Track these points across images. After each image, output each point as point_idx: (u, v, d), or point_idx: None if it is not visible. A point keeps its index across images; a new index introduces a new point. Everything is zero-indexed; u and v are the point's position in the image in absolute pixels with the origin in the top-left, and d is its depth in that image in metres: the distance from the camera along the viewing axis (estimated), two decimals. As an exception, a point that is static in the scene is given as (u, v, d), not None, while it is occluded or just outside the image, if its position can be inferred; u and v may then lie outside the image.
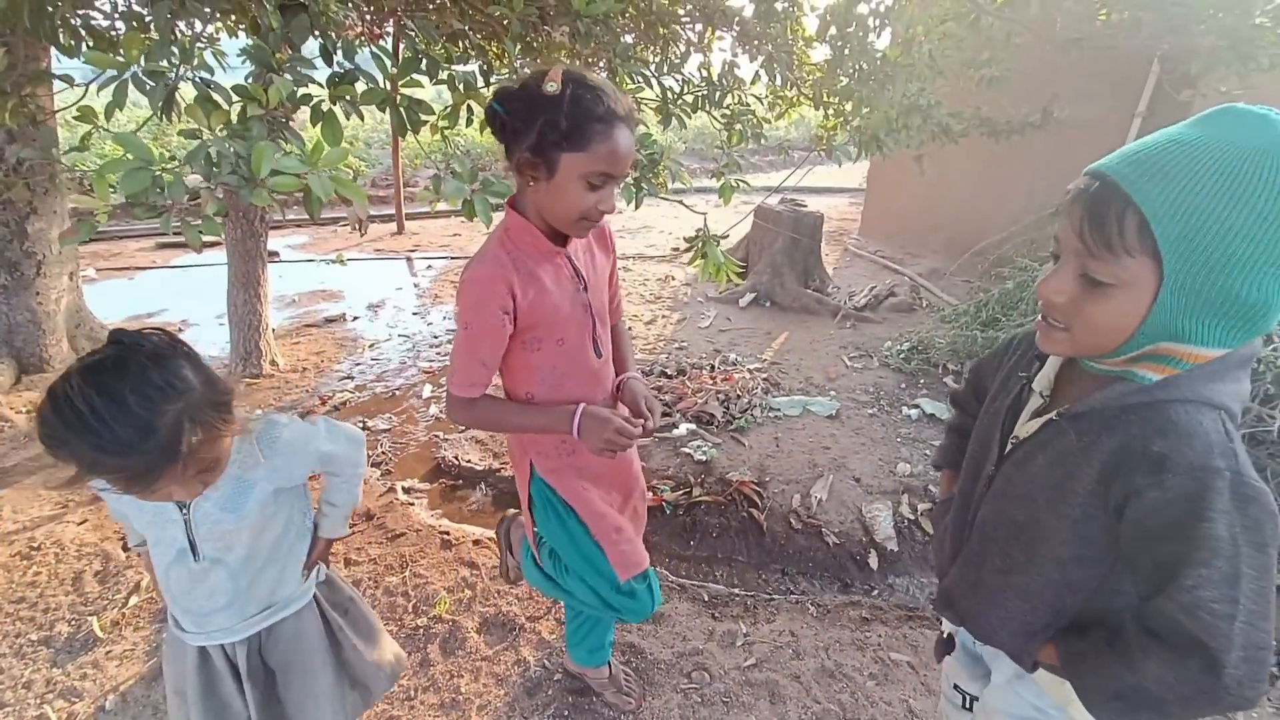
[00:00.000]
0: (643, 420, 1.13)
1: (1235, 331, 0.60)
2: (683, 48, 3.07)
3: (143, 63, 1.51)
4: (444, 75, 2.11)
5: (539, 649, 1.77)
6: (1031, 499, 0.74)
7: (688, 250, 2.33)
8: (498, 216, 1.12)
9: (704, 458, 2.63)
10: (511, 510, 1.61)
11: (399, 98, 1.99)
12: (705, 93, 3.04)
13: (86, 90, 1.98)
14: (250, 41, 1.70)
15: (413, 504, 2.43)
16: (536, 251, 1.07)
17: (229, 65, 2.25)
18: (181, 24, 2.04)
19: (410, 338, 4.10)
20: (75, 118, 1.74)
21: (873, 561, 2.20)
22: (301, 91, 1.82)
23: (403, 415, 3.11)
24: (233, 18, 2.45)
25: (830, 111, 3.77)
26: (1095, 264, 0.62)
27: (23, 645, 1.77)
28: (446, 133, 2.46)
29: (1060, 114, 3.82)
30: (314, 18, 1.68)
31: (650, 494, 2.44)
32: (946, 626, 1.00)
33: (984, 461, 0.84)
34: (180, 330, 4.19)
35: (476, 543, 2.19)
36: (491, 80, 2.47)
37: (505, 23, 2.25)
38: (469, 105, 2.45)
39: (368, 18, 3.56)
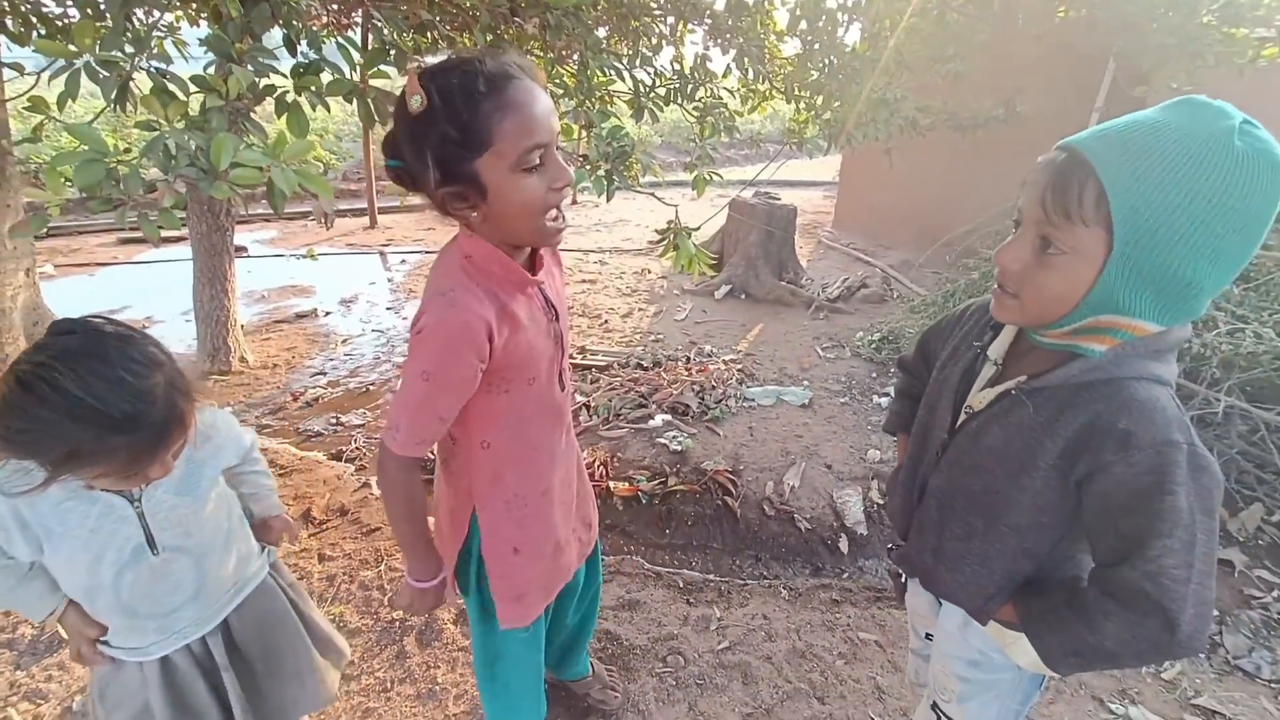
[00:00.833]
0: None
1: (1169, 309, 0.64)
2: (655, 41, 3.08)
3: (96, 52, 1.47)
4: (413, 66, 2.09)
5: (515, 639, 1.78)
6: (989, 470, 0.77)
7: (660, 242, 2.35)
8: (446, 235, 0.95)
9: (679, 448, 2.66)
10: None
11: (368, 89, 1.97)
12: (677, 86, 3.05)
13: (38, 79, 1.92)
14: (211, 30, 1.67)
15: (387, 499, 2.42)
16: (509, 283, 0.91)
17: (190, 55, 2.20)
18: (138, 11, 1.99)
19: (384, 333, 4.06)
20: (26, 108, 1.69)
21: (843, 545, 2.26)
22: (266, 83, 1.79)
23: (377, 411, 3.09)
24: (193, 6, 2.39)
25: (801, 105, 3.80)
26: (1052, 230, 0.65)
27: (-17, 650, 1.73)
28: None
29: (1023, 109, 3.92)
30: (275, 6, 1.65)
31: (626, 484, 2.47)
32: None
33: (934, 428, 0.87)
34: (145, 327, 4.07)
35: (452, 536, 2.19)
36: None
37: (475, 14, 2.24)
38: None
39: (333, 8, 3.49)
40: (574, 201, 8.49)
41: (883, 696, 1.63)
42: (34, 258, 3.63)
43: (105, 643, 1.01)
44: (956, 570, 0.84)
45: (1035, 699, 0.92)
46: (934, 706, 0.97)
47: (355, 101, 1.95)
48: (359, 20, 4.03)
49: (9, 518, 0.89)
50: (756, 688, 1.65)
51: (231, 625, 1.09)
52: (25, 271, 3.48)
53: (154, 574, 0.98)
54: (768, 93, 3.74)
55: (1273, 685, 1.68)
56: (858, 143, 3.19)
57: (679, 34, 3.14)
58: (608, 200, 2.33)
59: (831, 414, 3.02)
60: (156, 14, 1.96)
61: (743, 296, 4.74)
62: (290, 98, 1.84)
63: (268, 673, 1.13)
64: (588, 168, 2.27)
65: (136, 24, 1.86)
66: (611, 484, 2.48)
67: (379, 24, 2.14)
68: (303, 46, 1.85)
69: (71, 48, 1.44)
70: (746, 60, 3.19)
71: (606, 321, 4.26)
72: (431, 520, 1.10)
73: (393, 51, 2.00)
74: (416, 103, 0.79)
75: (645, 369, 3.41)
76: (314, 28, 2.03)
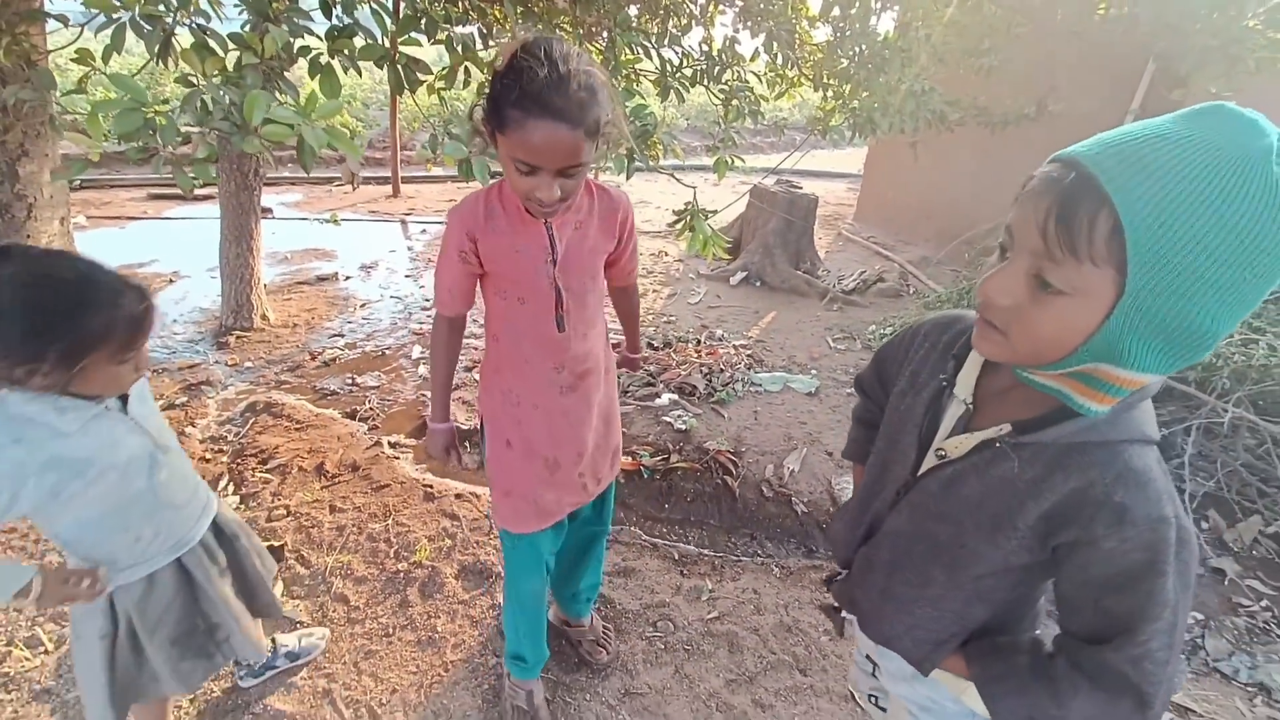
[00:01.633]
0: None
1: (1176, 358, 0.56)
2: (684, 21, 3.07)
3: (141, 6, 1.52)
4: (443, 36, 2.12)
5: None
6: (959, 522, 0.71)
7: (676, 222, 2.37)
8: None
9: (684, 426, 2.71)
10: None
11: (398, 56, 2.00)
12: (704, 67, 3.05)
13: (81, 31, 1.98)
14: (249, -10, 1.71)
15: (398, 458, 2.50)
16: (516, 213, 1.08)
17: (226, 16, 2.24)
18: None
19: (402, 299, 4.14)
20: (73, 59, 1.76)
21: (838, 531, 2.30)
22: (300, 44, 1.83)
23: (391, 374, 3.16)
24: (231, -35, 2.43)
25: (829, 94, 3.77)
26: (1052, 267, 0.55)
27: (15, 572, 1.84)
28: (444, 94, 2.47)
29: (1055, 107, 3.85)
30: (312, -31, 1.69)
31: (629, 458, 2.52)
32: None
33: (894, 464, 0.80)
34: (171, 281, 4.20)
35: (458, 496, 2.27)
36: (490, 43, 2.47)
37: (505, -15, 2.26)
38: (466, 68, 2.45)
39: (368, -28, 3.51)
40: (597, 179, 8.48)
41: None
42: (69, 208, 3.74)
43: (130, 564, 1.11)
44: (904, 613, 0.79)
45: None
46: None
47: (385, 68, 1.99)
48: (392, -13, 4.05)
49: (31, 465, 0.92)
50: (741, 656, 1.71)
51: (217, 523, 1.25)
52: (60, 220, 3.59)
53: (171, 471, 1.12)
54: (796, 80, 3.71)
55: (1249, 689, 1.70)
56: (883, 134, 3.17)
57: (710, 14, 3.13)
58: (627, 178, 2.35)
59: (837, 404, 3.04)
60: (197, -29, 1.99)
61: (758, 284, 4.74)
62: (323, 60, 1.88)
63: (244, 558, 1.30)
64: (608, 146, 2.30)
65: (178, -20, 1.89)
66: (615, 457, 2.54)
67: (411, -9, 2.16)
68: (337, 10, 1.88)
69: (116, 1, 1.49)
70: (776, 45, 3.17)
71: (620, 301, 4.30)
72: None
73: (424, 20, 2.03)
74: (499, 61, 0.92)
75: (655, 348, 3.45)
76: (348, -9, 2.06)
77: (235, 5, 1.86)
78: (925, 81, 3.06)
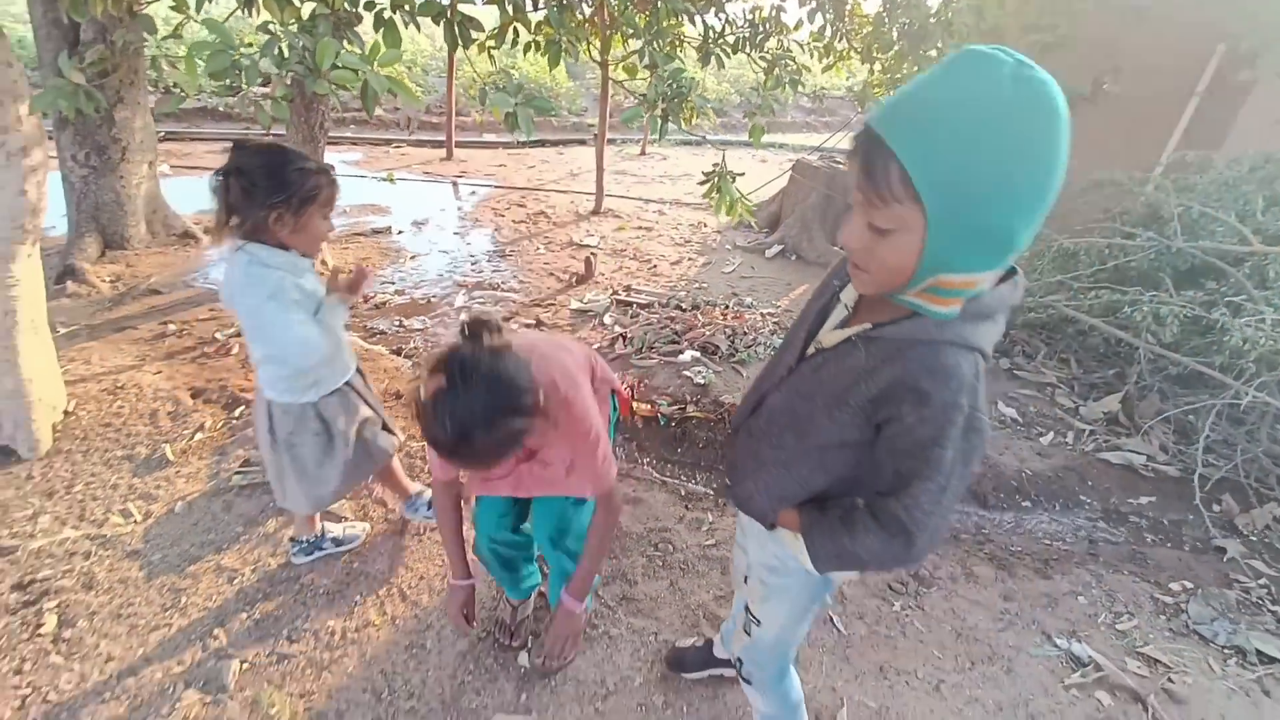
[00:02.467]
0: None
1: (993, 256, 0.68)
2: (730, -14, 3.12)
3: (232, -42, 1.71)
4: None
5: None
6: (813, 398, 0.87)
7: (704, 183, 2.47)
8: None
9: (703, 381, 2.84)
10: None
11: (454, 13, 2.16)
12: (747, 35, 3.11)
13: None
14: (322, -54, 1.89)
15: (436, 391, 2.72)
16: None
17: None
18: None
19: (449, 254, 4.37)
20: (171, 7, 1.98)
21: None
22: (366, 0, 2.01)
23: (435, 319, 3.40)
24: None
25: (877, 68, 3.75)
26: (875, 212, 0.68)
27: (110, 459, 2.14)
28: (494, 53, 2.63)
29: (1113, 88, 3.74)
30: (379, -73, 1.86)
31: (648, 405, 2.68)
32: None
33: (785, 353, 0.96)
34: (242, 228, 4.54)
35: (488, 427, 2.47)
36: (539, 5, 2.61)
37: (556, -54, 2.38)
38: (515, 27, 2.60)
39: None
40: (643, 152, 8.56)
41: (844, 601, 1.81)
42: (155, 154, 4.09)
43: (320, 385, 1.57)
44: (764, 473, 0.95)
45: (822, 601, 1.10)
46: (746, 608, 1.15)
47: (442, 24, 2.16)
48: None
49: (311, 293, 1.45)
50: (732, 577, 1.86)
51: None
52: (148, 164, 3.94)
53: (339, 316, 1.54)
54: (845, 53, 3.71)
55: (1225, 650, 1.75)
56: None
57: (756, -19, 3.18)
58: (660, 138, 2.46)
59: (856, 372, 3.11)
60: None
61: (793, 258, 4.78)
62: (386, 14, 2.06)
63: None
64: (645, 107, 2.41)
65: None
66: (635, 405, 2.70)
67: (468, -49, 2.31)
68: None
69: (211, -46, 1.69)
70: (823, 15, 3.19)
71: (656, 266, 4.42)
72: None
73: (478, -23, 2.18)
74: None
75: (683, 310, 3.58)
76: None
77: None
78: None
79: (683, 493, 2.25)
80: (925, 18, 3.14)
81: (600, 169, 5.51)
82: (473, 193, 5.98)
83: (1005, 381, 3.10)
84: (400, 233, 4.73)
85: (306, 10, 1.85)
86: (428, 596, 1.73)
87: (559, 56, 2.20)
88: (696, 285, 4.09)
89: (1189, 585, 1.98)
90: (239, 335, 3.04)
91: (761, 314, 3.62)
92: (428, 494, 2.00)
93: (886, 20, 3.36)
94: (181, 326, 3.08)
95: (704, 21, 2.90)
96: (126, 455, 2.17)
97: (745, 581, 1.17)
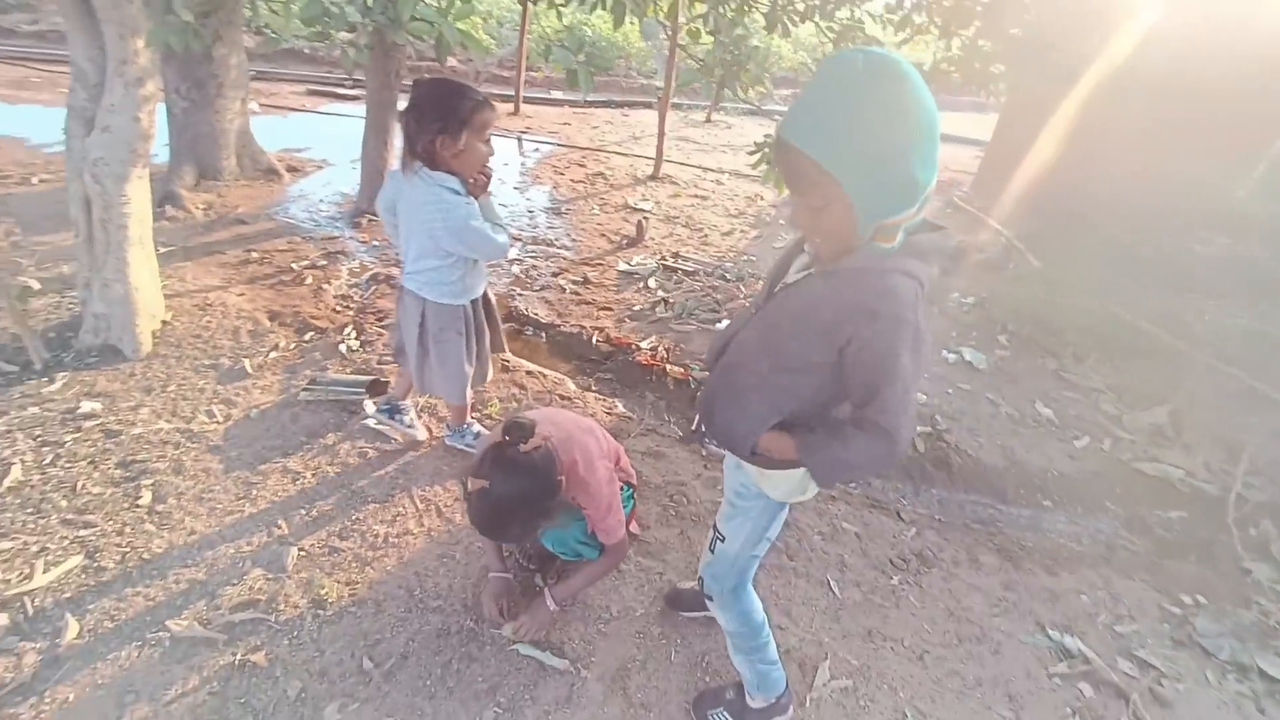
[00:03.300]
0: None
1: (908, 195, 0.83)
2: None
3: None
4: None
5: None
6: (780, 324, 1.00)
7: (755, 153, 2.49)
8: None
9: (737, 351, 2.91)
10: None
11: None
12: (817, 3, 3.04)
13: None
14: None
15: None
16: None
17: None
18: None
19: (508, 208, 4.52)
20: (271, -46, 2.13)
21: (861, 464, 2.46)
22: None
23: (491, 266, 3.56)
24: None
25: (956, 44, 3.61)
26: (805, 199, 0.86)
27: (198, 366, 2.41)
28: (562, 11, 2.68)
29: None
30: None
31: (681, 368, 2.78)
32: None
33: (757, 299, 1.09)
34: (320, 168, 4.82)
35: (529, 373, 2.63)
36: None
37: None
38: (586, -14, 2.63)
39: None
40: (708, 120, 8.42)
41: (844, 569, 1.90)
42: (247, 90, 4.36)
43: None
44: (739, 401, 1.07)
45: (777, 525, 1.25)
46: (714, 526, 1.31)
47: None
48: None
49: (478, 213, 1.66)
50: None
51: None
52: (240, 101, 4.22)
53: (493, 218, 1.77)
54: (925, 26, 3.57)
55: (1226, 665, 1.75)
56: (1001, 91, 3.05)
57: (832, -51, 3.09)
58: (715, 104, 2.49)
59: (894, 357, 3.11)
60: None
61: (848, 238, 4.71)
62: (463, -31, 2.14)
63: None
64: (703, 73, 2.43)
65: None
66: (668, 367, 2.80)
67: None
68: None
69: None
70: (901, -13, 3.09)
71: (707, 236, 4.45)
72: None
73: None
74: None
75: (727, 280, 3.63)
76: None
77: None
78: (1056, 35, 2.89)
79: (703, 453, 2.36)
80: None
81: (661, 134, 5.51)
82: (535, 150, 6.09)
83: (1047, 381, 3.03)
84: (464, 183, 4.90)
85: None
86: (460, 515, 1.92)
87: (624, 15, 2.23)
88: (745, 257, 4.12)
89: (1202, 600, 1.97)
90: (313, 267, 3.29)
91: (806, 291, 3.63)
92: (476, 426, 2.18)
93: (970, -6, 3.20)
94: (263, 255, 3.36)
95: (775, -12, 2.86)
96: (212, 364, 2.44)
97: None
